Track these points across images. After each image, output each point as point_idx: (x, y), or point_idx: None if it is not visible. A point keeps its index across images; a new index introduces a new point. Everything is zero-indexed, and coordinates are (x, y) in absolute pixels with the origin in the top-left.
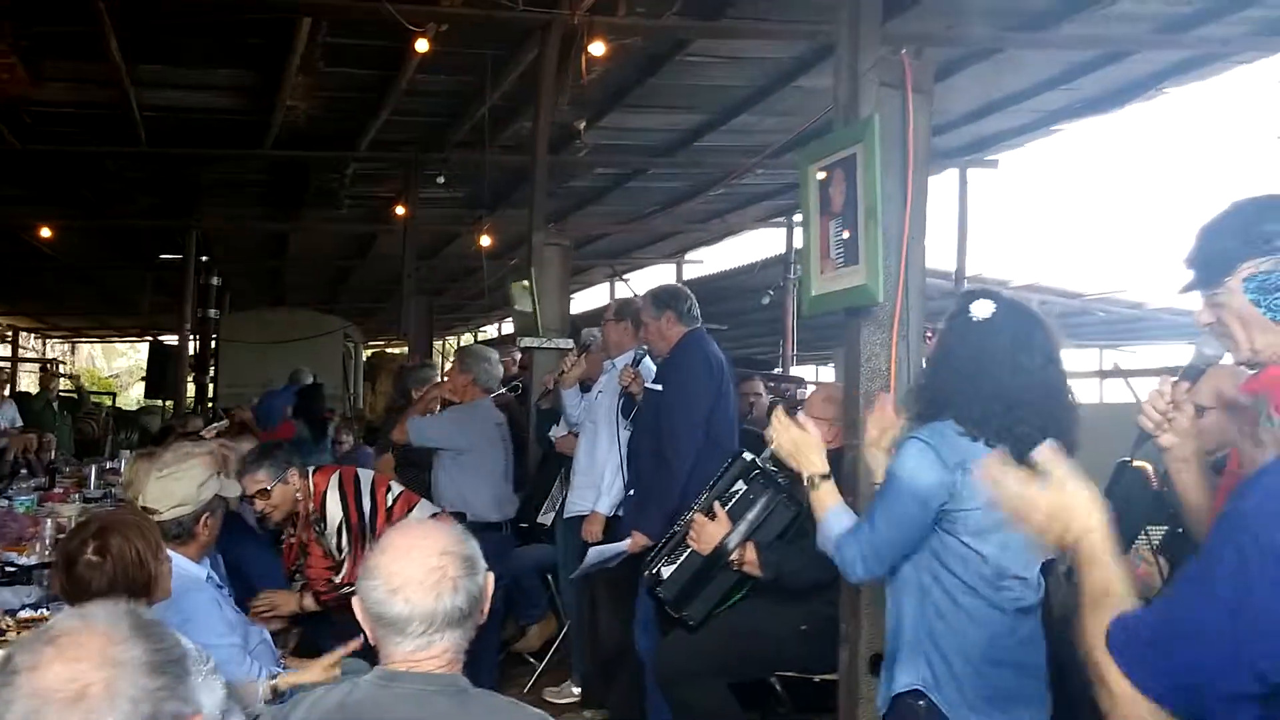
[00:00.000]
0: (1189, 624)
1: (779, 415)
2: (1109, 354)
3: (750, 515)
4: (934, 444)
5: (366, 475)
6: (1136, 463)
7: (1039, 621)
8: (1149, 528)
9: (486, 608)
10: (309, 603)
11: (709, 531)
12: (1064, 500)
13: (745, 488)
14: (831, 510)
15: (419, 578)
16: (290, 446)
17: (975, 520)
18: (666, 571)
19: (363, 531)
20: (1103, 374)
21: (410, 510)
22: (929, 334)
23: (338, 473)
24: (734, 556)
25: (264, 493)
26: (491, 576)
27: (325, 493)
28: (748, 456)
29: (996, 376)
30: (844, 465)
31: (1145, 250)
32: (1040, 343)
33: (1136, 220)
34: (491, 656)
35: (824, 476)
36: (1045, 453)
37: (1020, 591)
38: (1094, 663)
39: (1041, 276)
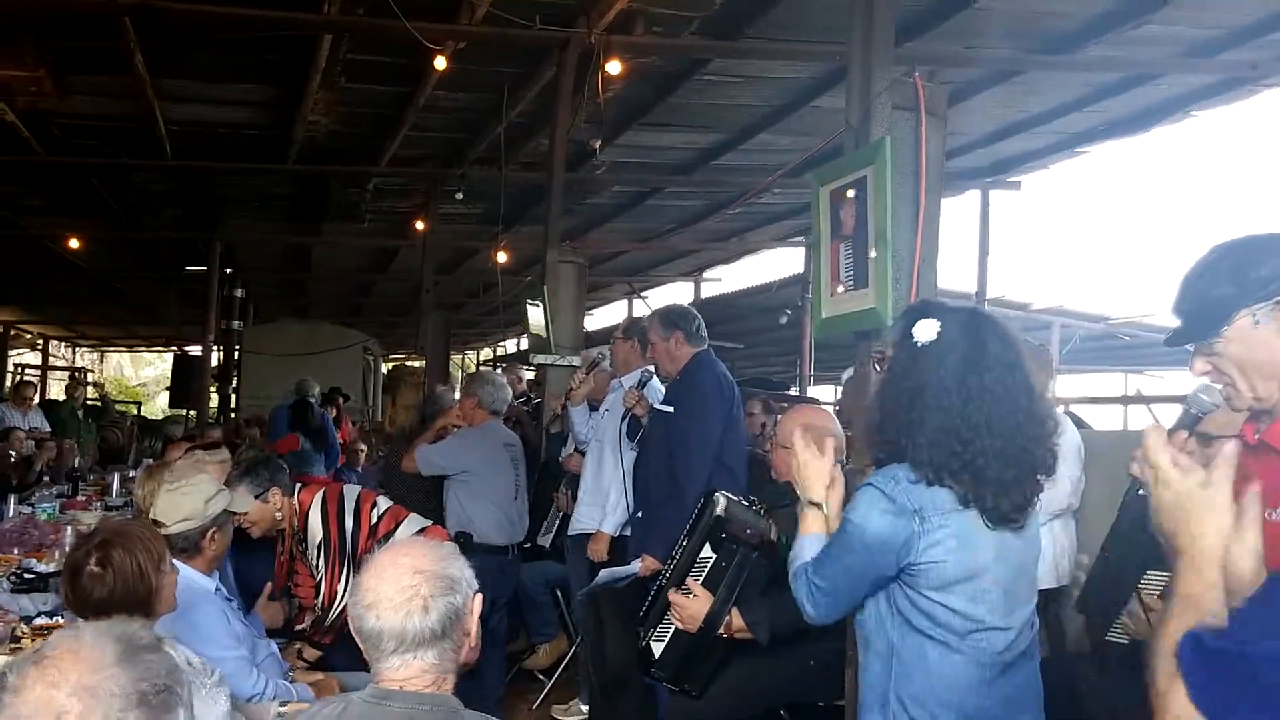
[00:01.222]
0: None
1: (795, 437)
2: (1134, 379)
3: (727, 583)
4: (888, 491)
5: (352, 492)
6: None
7: (1033, 669)
8: (1149, 572)
9: (472, 628)
10: (309, 654)
11: (691, 611)
12: (1191, 498)
13: (715, 555)
14: (808, 537)
15: (390, 595)
16: (279, 463)
17: (938, 573)
18: (657, 649)
19: (342, 551)
20: (1127, 400)
21: (397, 526)
22: (876, 357)
23: (323, 490)
24: (722, 629)
25: None
26: (479, 597)
27: (309, 510)
28: (719, 506)
29: (945, 408)
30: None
31: (1172, 275)
32: (996, 354)
33: (1164, 244)
34: (497, 673)
35: (813, 504)
36: (1227, 453)
37: (1002, 642)
38: (1157, 670)
39: (1066, 300)
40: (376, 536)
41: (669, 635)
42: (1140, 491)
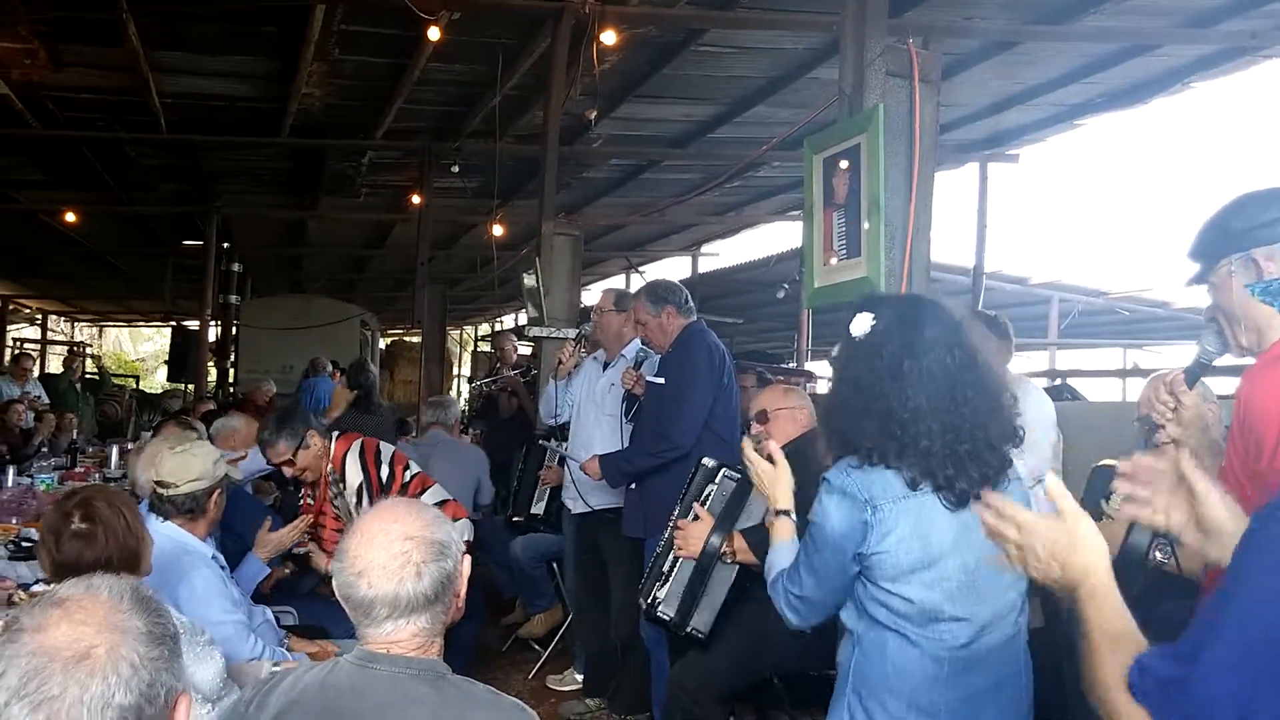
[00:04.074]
0: (1230, 658)
1: (746, 450)
2: (1132, 353)
3: (727, 506)
4: (840, 484)
5: (387, 449)
6: (1105, 462)
7: (1012, 676)
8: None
9: (462, 590)
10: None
11: (695, 532)
12: (1065, 535)
13: (715, 488)
14: (781, 545)
15: (382, 563)
16: (304, 408)
17: (892, 563)
18: (662, 592)
19: (385, 495)
20: (1125, 373)
21: (423, 492)
22: None
23: (360, 440)
24: (724, 549)
25: (289, 462)
26: (467, 559)
27: (345, 456)
28: (709, 463)
29: (883, 394)
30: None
31: (1171, 249)
32: (934, 336)
33: (1163, 218)
34: (466, 640)
35: (782, 512)
36: (1051, 484)
37: (963, 634)
38: (1107, 705)
39: (1063, 274)
40: (409, 494)
41: (673, 575)
42: (1103, 463)
